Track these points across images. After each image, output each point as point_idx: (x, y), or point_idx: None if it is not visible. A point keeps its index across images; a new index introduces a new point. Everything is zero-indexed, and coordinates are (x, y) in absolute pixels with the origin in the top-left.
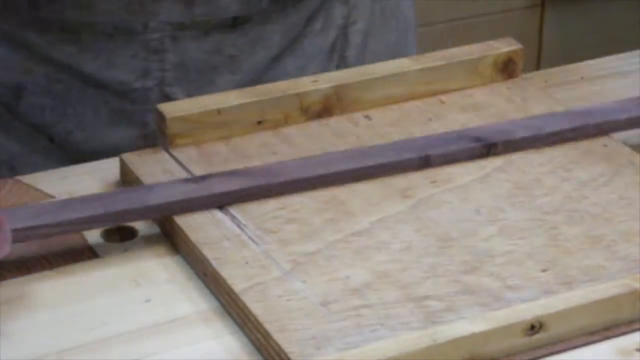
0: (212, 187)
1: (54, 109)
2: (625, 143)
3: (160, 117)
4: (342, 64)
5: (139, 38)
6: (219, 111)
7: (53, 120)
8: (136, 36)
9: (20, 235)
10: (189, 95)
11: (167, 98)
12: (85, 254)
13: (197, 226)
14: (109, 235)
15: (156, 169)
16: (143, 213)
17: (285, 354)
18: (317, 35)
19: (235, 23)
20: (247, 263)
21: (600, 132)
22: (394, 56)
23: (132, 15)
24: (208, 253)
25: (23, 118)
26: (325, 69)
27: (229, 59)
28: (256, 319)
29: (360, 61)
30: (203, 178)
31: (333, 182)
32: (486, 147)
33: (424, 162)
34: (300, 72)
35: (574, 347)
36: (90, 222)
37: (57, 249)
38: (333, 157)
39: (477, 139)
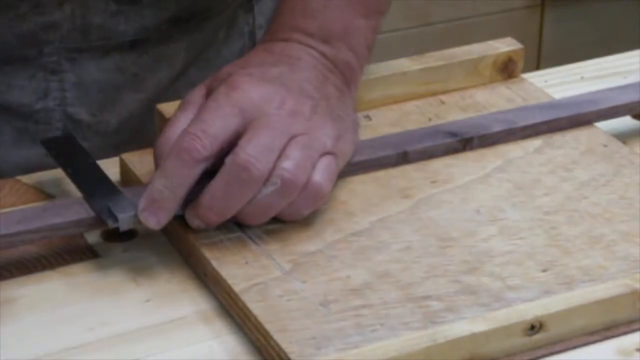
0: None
1: None
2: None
3: (160, 116)
4: None
5: (36, 62)
6: None
7: None
8: (33, 61)
9: (2, 242)
10: (93, 115)
11: (70, 118)
12: (85, 254)
13: None
14: (108, 235)
15: None
16: None
17: (285, 354)
18: (222, 45)
19: (135, 45)
20: (247, 263)
21: (573, 124)
22: None
23: (26, 45)
24: (208, 253)
25: None
26: None
27: (131, 78)
28: (256, 319)
29: None
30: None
31: None
32: (462, 142)
33: (402, 159)
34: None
35: (574, 347)
36: (73, 226)
37: (57, 249)
38: None
39: (453, 134)
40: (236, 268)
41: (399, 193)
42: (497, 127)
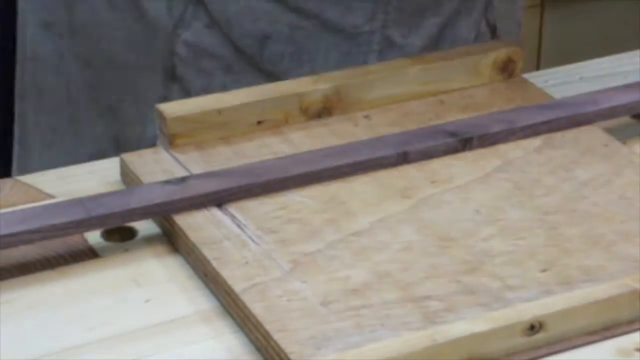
0: (193, 189)
1: (292, 55)
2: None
3: (161, 117)
4: None
5: None
6: (219, 111)
7: (289, 67)
8: None
9: (2, 242)
10: (404, 37)
11: (387, 39)
12: (85, 254)
13: (197, 226)
14: (109, 235)
15: (156, 169)
16: (125, 216)
17: (286, 354)
18: None
19: None
20: (247, 263)
21: (573, 124)
22: None
23: None
24: (208, 253)
25: (262, 67)
26: None
27: (434, 2)
28: (256, 319)
29: None
30: (184, 179)
31: (311, 181)
32: (462, 141)
33: (402, 159)
34: None
35: (574, 347)
36: (73, 226)
37: (57, 249)
38: (312, 157)
39: (453, 134)
40: (236, 268)
41: (399, 193)
42: (497, 127)
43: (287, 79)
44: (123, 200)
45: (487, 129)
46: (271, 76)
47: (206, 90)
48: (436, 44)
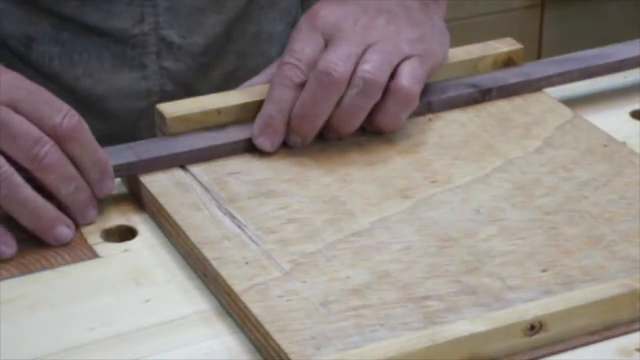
0: (232, 135)
1: (61, 56)
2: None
3: (161, 116)
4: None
5: None
6: (219, 111)
7: (62, 68)
8: None
9: None
10: (182, 37)
11: (163, 41)
12: (85, 254)
13: (197, 226)
14: (109, 235)
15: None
16: (171, 160)
17: (285, 354)
18: None
19: None
20: (247, 263)
21: (584, 76)
22: None
23: None
24: (208, 253)
25: (35, 66)
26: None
27: (213, 1)
28: (256, 319)
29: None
30: (224, 126)
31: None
32: (482, 92)
33: (426, 108)
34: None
35: (574, 347)
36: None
37: (57, 248)
38: None
39: (473, 86)
40: (236, 268)
41: (399, 193)
42: (514, 79)
43: (63, 80)
44: (169, 146)
45: (505, 81)
46: (48, 77)
47: None
48: (227, 41)
